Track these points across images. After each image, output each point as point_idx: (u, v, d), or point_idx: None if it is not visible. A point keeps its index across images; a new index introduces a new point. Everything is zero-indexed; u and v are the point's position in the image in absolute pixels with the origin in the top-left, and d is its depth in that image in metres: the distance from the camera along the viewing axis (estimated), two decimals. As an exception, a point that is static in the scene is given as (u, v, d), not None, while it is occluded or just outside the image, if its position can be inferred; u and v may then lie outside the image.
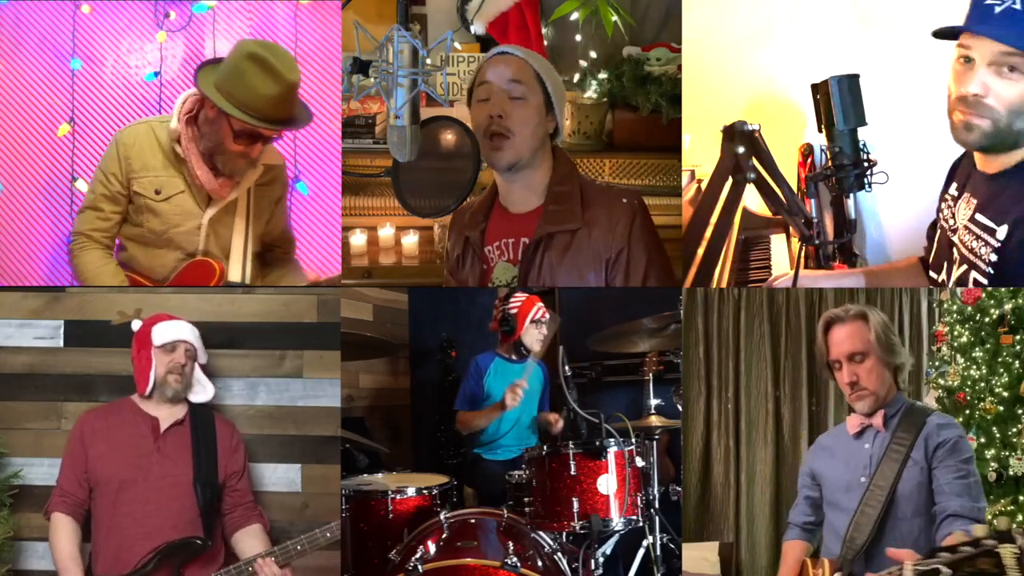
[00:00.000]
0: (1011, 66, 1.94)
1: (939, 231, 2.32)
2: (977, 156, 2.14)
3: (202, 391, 2.75)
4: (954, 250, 2.22)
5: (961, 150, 2.20)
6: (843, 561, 2.09)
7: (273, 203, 2.96)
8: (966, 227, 2.14)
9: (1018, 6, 1.93)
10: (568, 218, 2.41)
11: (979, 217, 2.10)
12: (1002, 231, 2.01)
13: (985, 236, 2.07)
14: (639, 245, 2.39)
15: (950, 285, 2.27)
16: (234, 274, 2.86)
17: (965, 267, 2.17)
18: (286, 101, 2.62)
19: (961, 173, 2.25)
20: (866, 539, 2.07)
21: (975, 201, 2.13)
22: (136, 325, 2.74)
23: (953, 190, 2.27)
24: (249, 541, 2.66)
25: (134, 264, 2.89)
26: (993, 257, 2.03)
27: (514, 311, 3.57)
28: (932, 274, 2.35)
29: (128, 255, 2.90)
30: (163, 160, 2.78)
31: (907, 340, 3.54)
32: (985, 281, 2.08)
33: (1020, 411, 2.84)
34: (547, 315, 3.58)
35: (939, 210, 2.32)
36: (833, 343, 2.22)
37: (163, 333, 2.68)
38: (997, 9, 1.95)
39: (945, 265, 2.29)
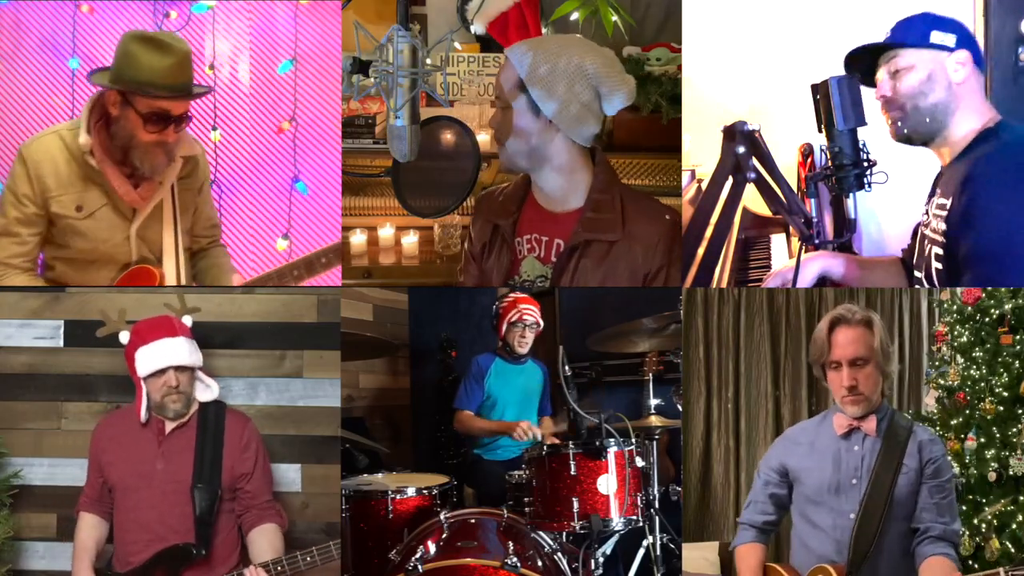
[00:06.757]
0: (896, 69, 2.31)
1: (919, 233, 2.43)
2: (936, 154, 2.37)
3: (206, 390, 2.65)
4: (925, 241, 2.35)
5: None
6: (852, 566, 2.08)
7: (196, 193, 2.86)
8: (933, 215, 2.30)
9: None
10: (608, 228, 2.36)
11: (938, 201, 2.29)
12: (948, 201, 2.21)
13: (940, 213, 2.24)
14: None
15: (922, 274, 2.37)
16: (170, 277, 2.76)
17: (929, 248, 2.31)
18: (182, 68, 2.54)
19: (937, 178, 2.43)
20: (871, 543, 2.09)
21: (940, 191, 2.32)
22: (124, 338, 2.63)
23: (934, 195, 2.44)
24: (259, 542, 2.57)
25: (66, 281, 2.76)
26: (943, 226, 2.21)
27: (499, 310, 3.57)
28: (917, 273, 2.42)
29: (57, 274, 2.75)
30: (79, 172, 2.59)
31: (907, 340, 3.54)
32: (942, 252, 2.23)
33: (1020, 411, 2.83)
34: (525, 318, 3.52)
35: (924, 215, 2.43)
36: (837, 344, 2.22)
37: (146, 362, 2.55)
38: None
39: (924, 262, 2.37)
